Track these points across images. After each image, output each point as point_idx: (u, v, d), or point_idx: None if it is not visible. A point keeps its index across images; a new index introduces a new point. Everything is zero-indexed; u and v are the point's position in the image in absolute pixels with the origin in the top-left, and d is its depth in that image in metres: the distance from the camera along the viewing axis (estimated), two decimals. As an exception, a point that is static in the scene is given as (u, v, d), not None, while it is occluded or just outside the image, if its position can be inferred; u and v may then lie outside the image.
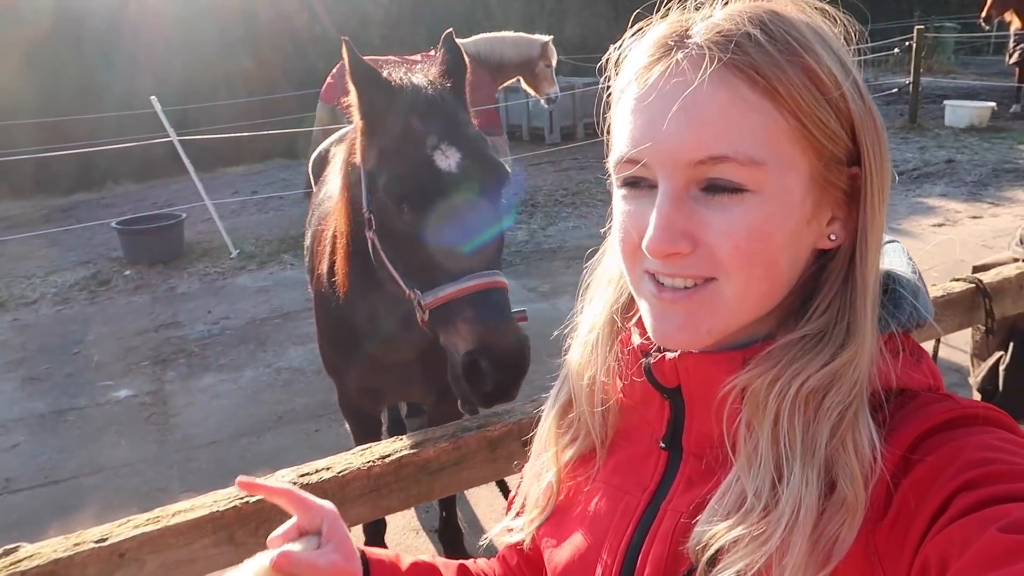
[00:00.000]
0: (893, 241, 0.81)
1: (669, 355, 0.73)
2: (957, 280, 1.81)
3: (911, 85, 11.24)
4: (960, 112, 10.97)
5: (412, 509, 3.25)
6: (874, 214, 0.67)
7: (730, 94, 0.63)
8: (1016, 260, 1.92)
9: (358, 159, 1.74)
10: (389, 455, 1.23)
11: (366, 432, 2.53)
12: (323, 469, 1.20)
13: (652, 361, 0.75)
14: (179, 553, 1.07)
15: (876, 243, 0.68)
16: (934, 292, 1.74)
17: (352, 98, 1.70)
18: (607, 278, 0.84)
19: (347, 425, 2.62)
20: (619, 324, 0.82)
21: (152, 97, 7.16)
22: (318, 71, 13.11)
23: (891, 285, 0.72)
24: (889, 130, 9.79)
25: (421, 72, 1.73)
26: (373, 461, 1.22)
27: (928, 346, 1.93)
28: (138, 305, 6.23)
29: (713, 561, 0.63)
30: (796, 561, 0.59)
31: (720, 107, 0.63)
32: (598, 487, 0.80)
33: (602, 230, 0.83)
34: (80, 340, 5.54)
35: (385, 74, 1.67)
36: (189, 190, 8.25)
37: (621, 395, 0.81)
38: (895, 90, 12.64)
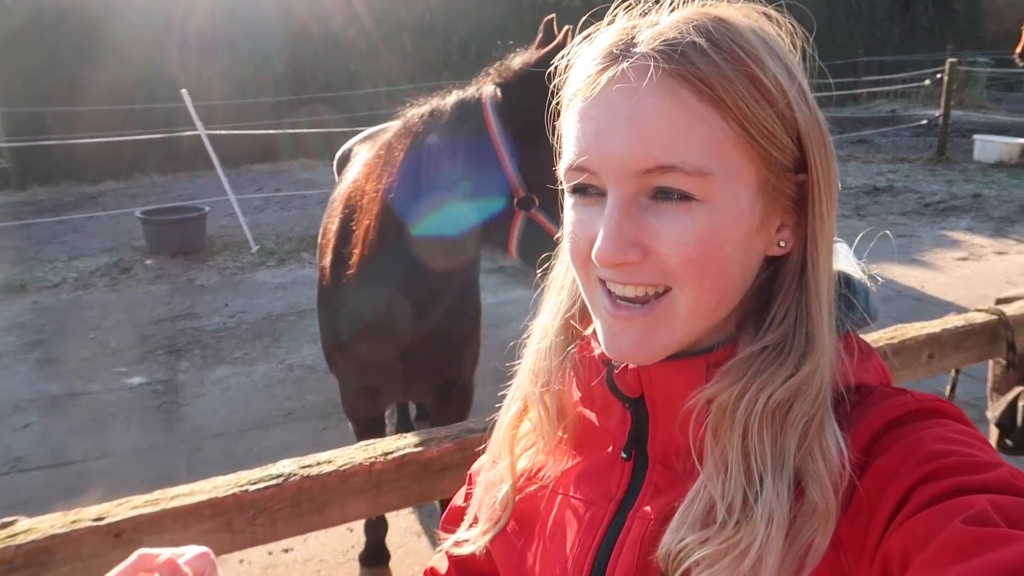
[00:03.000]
0: (838, 241, 0.81)
1: (632, 365, 0.72)
2: (980, 311, 1.78)
3: (941, 118, 11.14)
4: (989, 147, 10.84)
5: (414, 512, 3.24)
6: (823, 220, 0.67)
7: (676, 103, 0.62)
8: (1041, 294, 1.88)
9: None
10: (392, 452, 1.22)
11: (367, 433, 2.53)
12: (325, 462, 1.19)
13: (616, 371, 0.74)
14: (175, 537, 1.07)
15: (827, 249, 0.68)
16: (955, 322, 1.71)
17: None
18: (559, 284, 0.82)
19: (350, 425, 2.62)
20: (575, 330, 0.80)
21: (183, 91, 7.24)
22: (349, 73, 13.27)
23: (842, 288, 0.73)
24: (917, 162, 9.74)
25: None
26: (376, 457, 1.21)
27: (947, 377, 1.90)
28: (157, 294, 6.29)
29: (686, 570, 0.62)
30: (772, 571, 0.59)
31: (667, 117, 0.62)
32: (559, 497, 0.78)
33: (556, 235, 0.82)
34: (97, 326, 5.60)
35: None
36: (214, 184, 8.34)
37: (579, 403, 0.80)
38: (925, 122, 12.54)
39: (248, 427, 4.09)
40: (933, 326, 1.67)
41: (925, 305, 5.40)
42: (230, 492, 1.10)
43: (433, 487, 1.24)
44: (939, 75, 11.27)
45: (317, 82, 12.89)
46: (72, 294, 6.35)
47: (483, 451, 0.92)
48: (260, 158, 11.68)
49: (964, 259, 6.68)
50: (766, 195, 0.66)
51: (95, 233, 8.16)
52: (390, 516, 2.98)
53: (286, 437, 3.95)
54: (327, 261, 2.23)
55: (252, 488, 1.12)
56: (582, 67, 0.68)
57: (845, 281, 0.74)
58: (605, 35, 0.68)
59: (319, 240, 2.55)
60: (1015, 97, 17.40)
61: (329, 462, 1.19)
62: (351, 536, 3.06)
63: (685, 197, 0.63)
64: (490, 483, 0.84)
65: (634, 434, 0.74)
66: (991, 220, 7.93)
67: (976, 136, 11.30)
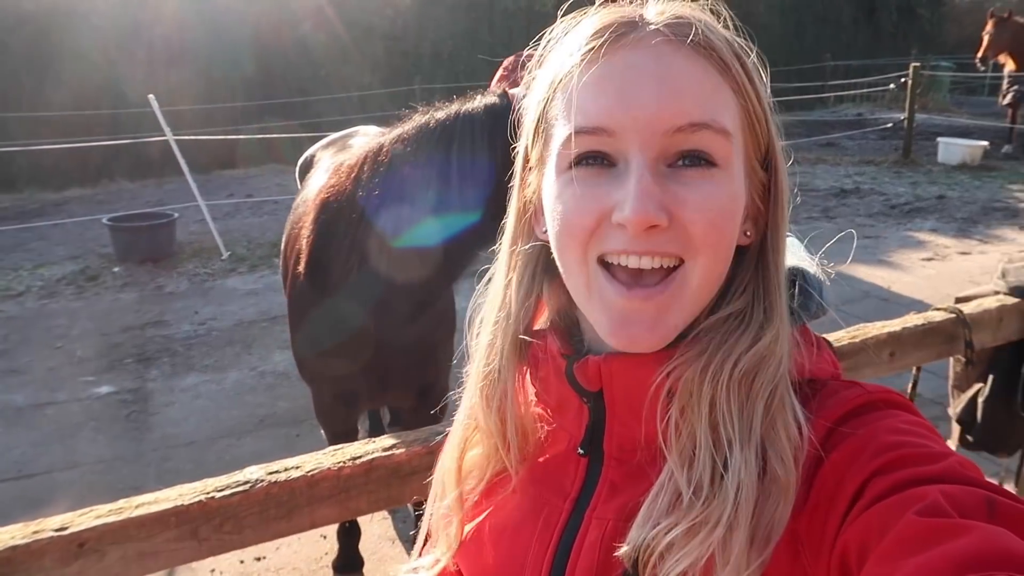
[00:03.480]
0: (789, 235, 0.83)
1: (593, 358, 0.71)
2: (938, 309, 1.82)
3: (906, 121, 11.36)
4: (953, 150, 11.09)
5: (388, 518, 3.23)
6: (783, 210, 0.71)
7: (702, 69, 0.64)
8: (998, 293, 1.93)
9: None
10: (360, 456, 1.22)
11: (340, 441, 2.52)
12: (292, 468, 1.18)
13: (576, 364, 0.73)
14: (141, 546, 1.06)
15: (785, 235, 0.71)
16: (915, 320, 1.75)
17: None
18: (498, 302, 0.79)
19: (323, 432, 2.60)
20: (524, 342, 0.78)
21: (150, 96, 7.16)
22: (320, 78, 13.20)
23: (799, 281, 0.75)
24: (882, 164, 9.91)
25: None
26: (344, 462, 1.21)
27: (909, 375, 1.94)
28: (125, 302, 6.19)
29: (650, 564, 0.62)
30: (740, 545, 0.59)
31: (696, 79, 0.64)
32: (515, 498, 0.77)
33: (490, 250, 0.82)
34: (64, 335, 5.50)
35: None
36: (183, 190, 8.24)
37: (534, 404, 0.79)
38: (890, 125, 12.78)
39: (219, 435, 4.04)
40: (894, 325, 1.70)
41: (892, 305, 5.49)
42: (196, 499, 1.09)
43: (402, 491, 1.24)
44: (903, 79, 11.48)
45: (288, 87, 12.80)
46: (37, 303, 6.23)
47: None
48: (230, 163, 11.56)
49: (929, 259, 6.82)
50: (748, 177, 0.69)
51: (61, 240, 8.02)
52: (364, 523, 2.97)
53: (258, 444, 3.91)
54: (302, 268, 2.20)
55: (219, 495, 1.11)
56: (582, 41, 0.67)
57: (801, 275, 0.76)
58: (601, 15, 0.69)
59: (285, 246, 2.52)
60: (977, 100, 17.80)
61: (297, 467, 1.19)
62: (324, 543, 3.04)
63: (707, 163, 0.64)
64: (440, 515, 0.83)
65: (591, 429, 0.74)
66: (955, 221, 8.11)
67: (940, 139, 11.55)
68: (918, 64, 11.57)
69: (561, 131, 0.67)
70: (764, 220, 0.71)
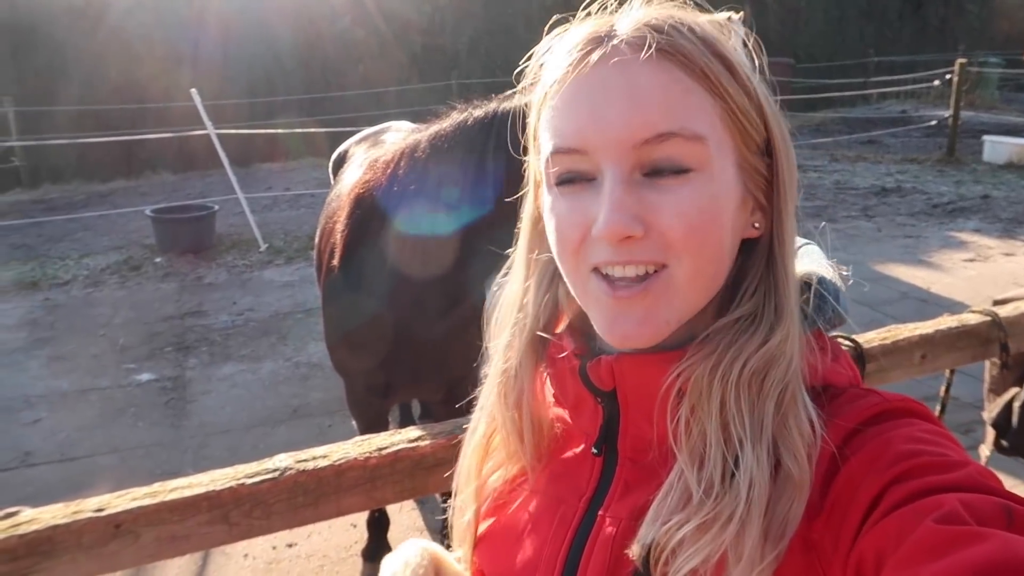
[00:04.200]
0: (808, 243, 0.83)
1: (606, 358, 0.73)
2: (974, 312, 1.78)
3: (951, 118, 11.09)
4: (999, 148, 10.78)
5: (416, 509, 3.27)
6: (788, 200, 0.70)
7: (669, 76, 0.64)
8: (1037, 296, 1.89)
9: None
10: (386, 447, 1.24)
11: (371, 432, 2.56)
12: (320, 457, 1.21)
13: (589, 363, 0.74)
14: (174, 528, 1.09)
15: (792, 227, 0.71)
16: (949, 322, 1.72)
17: None
18: (516, 303, 0.82)
19: (354, 423, 2.64)
20: (543, 340, 0.80)
21: (192, 90, 7.30)
22: (359, 72, 13.32)
23: (815, 286, 0.75)
24: (926, 163, 9.68)
25: None
26: (370, 453, 1.23)
27: (943, 377, 1.91)
28: (166, 292, 6.34)
29: (662, 560, 0.63)
30: (753, 541, 0.60)
31: (662, 87, 0.64)
32: (534, 498, 0.79)
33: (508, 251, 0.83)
34: (107, 323, 5.66)
35: None
36: (224, 183, 8.40)
37: (552, 405, 0.80)
38: (934, 123, 12.48)
39: (254, 424, 4.13)
40: (926, 327, 1.68)
41: (930, 306, 5.38)
42: (227, 485, 1.12)
43: (426, 481, 1.26)
44: (949, 75, 11.21)
45: (326, 81, 12.95)
46: (83, 291, 6.41)
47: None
48: (269, 157, 11.75)
49: (971, 260, 6.66)
50: (744, 173, 0.69)
51: (106, 231, 8.24)
52: (393, 513, 3.01)
53: (291, 434, 3.99)
54: (336, 261, 2.24)
55: (249, 482, 1.14)
56: (561, 59, 0.69)
57: (818, 281, 0.76)
58: (579, 30, 0.70)
59: (320, 240, 2.55)
60: (1027, 98, 17.30)
61: (324, 457, 1.21)
62: (354, 532, 3.09)
63: (681, 171, 0.65)
64: (458, 508, 0.85)
65: (605, 429, 0.75)
66: (999, 221, 7.90)
67: (986, 137, 11.23)
68: (964, 60, 11.28)
69: (545, 149, 0.70)
70: (771, 212, 0.71)
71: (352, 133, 3.36)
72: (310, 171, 11.44)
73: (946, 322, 1.72)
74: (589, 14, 0.72)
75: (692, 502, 0.63)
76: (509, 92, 1.85)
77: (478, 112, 1.87)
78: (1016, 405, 1.94)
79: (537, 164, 0.75)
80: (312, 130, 9.51)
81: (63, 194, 10.57)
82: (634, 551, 0.65)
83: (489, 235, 1.87)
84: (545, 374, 0.81)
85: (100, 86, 10.93)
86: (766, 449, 0.63)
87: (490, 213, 1.86)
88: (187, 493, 1.11)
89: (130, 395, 4.51)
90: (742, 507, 0.61)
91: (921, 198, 8.96)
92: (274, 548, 3.03)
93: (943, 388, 1.94)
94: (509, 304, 0.83)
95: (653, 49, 0.64)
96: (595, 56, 0.66)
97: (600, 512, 0.72)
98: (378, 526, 2.84)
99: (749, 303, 0.69)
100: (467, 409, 2.60)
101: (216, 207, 7.74)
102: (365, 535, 2.88)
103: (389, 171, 2.02)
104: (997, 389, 2.05)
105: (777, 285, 0.69)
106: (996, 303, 1.94)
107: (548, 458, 0.80)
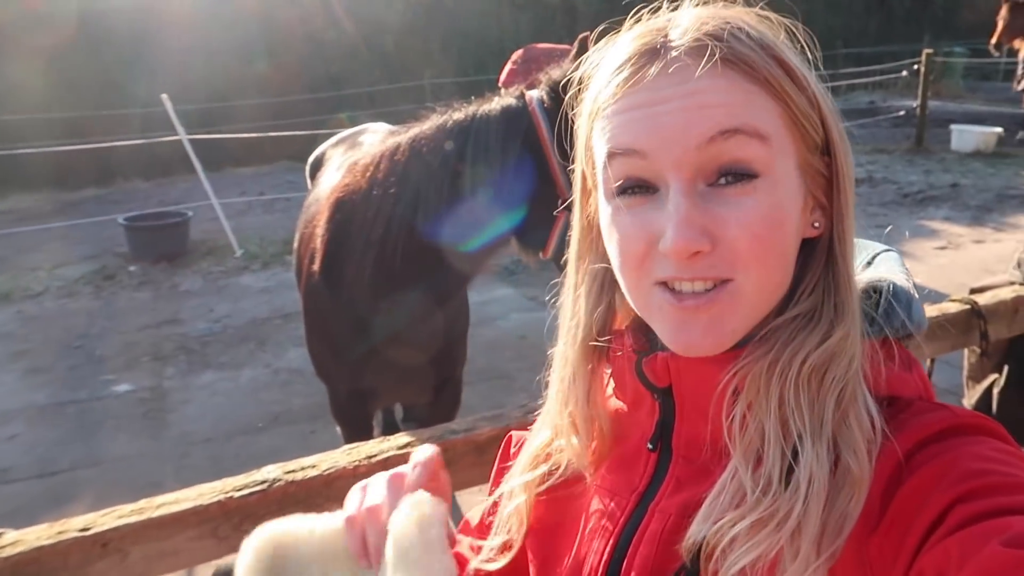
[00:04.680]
0: (890, 250, 0.83)
1: (662, 354, 0.73)
2: (953, 301, 1.81)
3: (919, 108, 11.25)
4: (966, 137, 10.96)
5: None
6: (847, 197, 0.70)
7: (730, 82, 0.64)
8: (1013, 283, 1.92)
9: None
10: (376, 455, 1.24)
11: (356, 437, 2.54)
12: (309, 467, 1.20)
13: (645, 359, 0.74)
14: (162, 545, 1.08)
15: (852, 224, 0.71)
16: (930, 312, 1.74)
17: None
18: (569, 312, 0.82)
19: (338, 429, 2.62)
20: (598, 350, 0.80)
21: (163, 96, 7.21)
22: (332, 75, 13.23)
23: (885, 293, 0.73)
24: (895, 153, 9.78)
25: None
26: (359, 461, 1.23)
27: (923, 366, 1.94)
28: (141, 301, 6.26)
29: (712, 556, 0.62)
30: (810, 538, 0.59)
31: (723, 91, 0.64)
32: (589, 491, 0.80)
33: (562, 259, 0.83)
34: (83, 334, 5.57)
35: None
36: (197, 189, 8.30)
37: (612, 400, 0.81)
38: (902, 113, 12.66)
39: (235, 432, 4.08)
40: (906, 317, 1.70)
41: (906, 295, 5.46)
42: (215, 499, 1.11)
43: (417, 488, 1.26)
44: (916, 66, 11.37)
45: (299, 84, 12.84)
46: (57, 302, 6.31)
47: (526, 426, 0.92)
48: (243, 161, 11.62)
49: (943, 248, 6.77)
50: (805, 174, 0.69)
51: (78, 240, 8.10)
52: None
53: (273, 441, 3.95)
54: (317, 267, 2.21)
55: (237, 495, 1.13)
56: (612, 67, 0.69)
57: (890, 287, 0.74)
58: (631, 37, 0.70)
59: (299, 245, 2.53)
60: (991, 86, 17.57)
61: (313, 466, 1.21)
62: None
63: (746, 177, 0.64)
64: (508, 493, 0.85)
65: (661, 425, 0.75)
66: (968, 209, 8.03)
67: (953, 126, 11.40)
68: (931, 51, 11.44)
69: (601, 156, 0.69)
70: (831, 211, 0.71)
71: (325, 136, 3.34)
72: (284, 174, 11.34)
73: (927, 311, 1.74)
74: (639, 19, 0.71)
75: (747, 500, 0.62)
76: (489, 95, 1.86)
77: (458, 114, 1.87)
78: (996, 391, 1.98)
79: (591, 174, 0.75)
80: (285, 133, 9.42)
81: (34, 203, 10.37)
82: (684, 547, 0.65)
83: (474, 238, 1.88)
84: (607, 371, 0.81)
85: (67, 93, 10.74)
86: (826, 445, 0.62)
87: (473, 216, 1.86)
88: (174, 509, 1.09)
89: (108, 407, 4.44)
90: (800, 503, 0.60)
91: (891, 188, 9.08)
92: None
93: (923, 377, 1.97)
94: (563, 311, 0.84)
95: (710, 60, 0.64)
96: (653, 70, 0.65)
97: (651, 506, 0.72)
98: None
99: (808, 301, 0.69)
100: (453, 410, 2.58)
101: (190, 213, 7.65)
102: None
103: (369, 174, 2.01)
104: (976, 376, 2.08)
105: (837, 283, 0.68)
106: (973, 291, 1.97)
107: (605, 457, 0.81)
